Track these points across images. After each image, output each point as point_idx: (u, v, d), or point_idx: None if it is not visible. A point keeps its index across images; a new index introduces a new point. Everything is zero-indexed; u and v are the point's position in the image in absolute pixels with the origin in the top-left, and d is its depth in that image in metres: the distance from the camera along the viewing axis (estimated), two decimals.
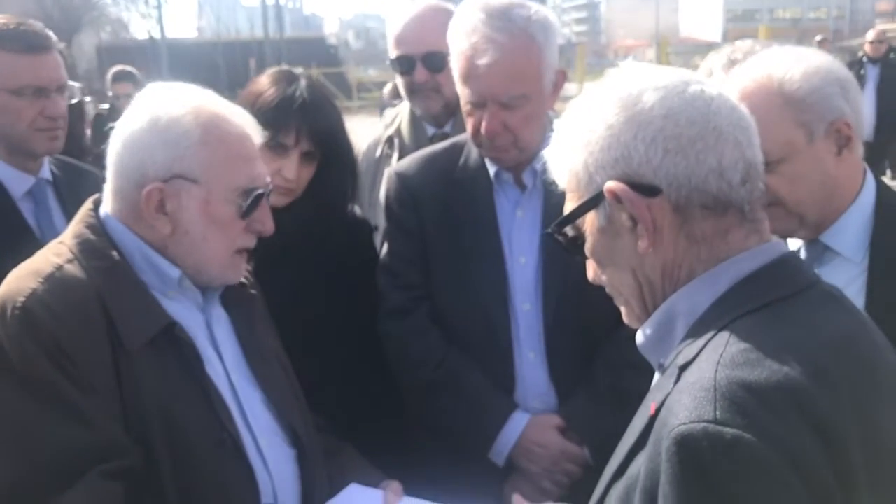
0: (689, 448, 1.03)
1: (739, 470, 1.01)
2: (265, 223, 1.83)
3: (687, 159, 1.21)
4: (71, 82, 2.69)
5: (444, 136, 2.92)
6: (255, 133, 1.83)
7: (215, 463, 1.71)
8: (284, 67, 2.52)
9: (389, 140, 3.20)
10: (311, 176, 2.40)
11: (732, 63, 2.27)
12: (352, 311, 2.46)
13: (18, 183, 2.60)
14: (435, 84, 3.00)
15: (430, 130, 3.10)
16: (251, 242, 1.84)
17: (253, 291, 2.02)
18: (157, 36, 36.33)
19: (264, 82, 2.40)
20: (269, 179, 1.84)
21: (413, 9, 3.07)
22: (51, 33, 2.62)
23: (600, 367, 2.33)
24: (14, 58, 2.52)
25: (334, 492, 1.93)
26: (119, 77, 7.55)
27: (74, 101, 2.78)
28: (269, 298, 2.41)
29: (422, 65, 2.99)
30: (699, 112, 1.23)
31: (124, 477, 1.59)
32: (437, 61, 2.94)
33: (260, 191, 1.79)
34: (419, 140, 3.05)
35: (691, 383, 1.10)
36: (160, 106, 1.75)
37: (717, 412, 1.04)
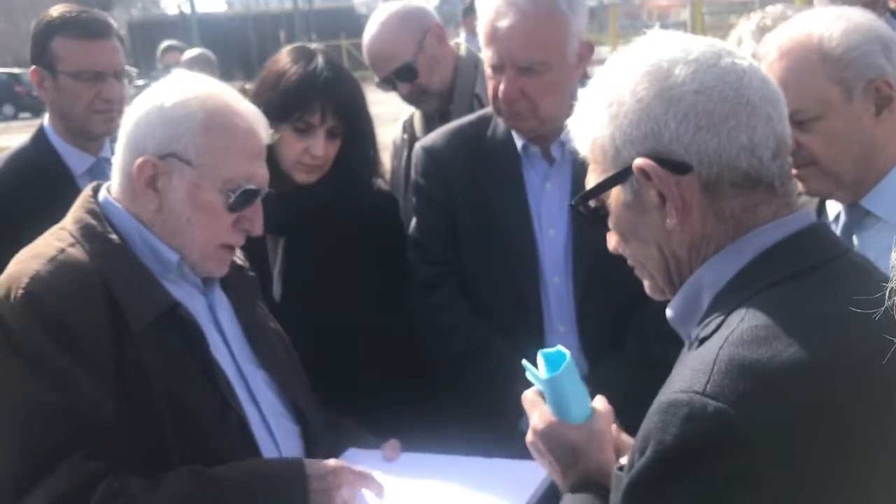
0: (668, 413, 1.05)
1: (711, 442, 1.03)
2: (254, 223, 1.83)
3: (718, 136, 1.18)
4: (129, 68, 2.87)
5: (448, 115, 2.96)
6: (263, 132, 1.84)
7: (221, 441, 1.74)
8: (300, 44, 2.54)
9: (403, 126, 3.26)
10: (337, 151, 2.41)
11: (762, 30, 2.23)
12: (380, 283, 2.48)
13: (79, 161, 2.78)
14: (419, 88, 3.06)
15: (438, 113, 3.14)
16: (238, 241, 1.85)
17: (251, 274, 2.05)
18: (188, 11, 36.42)
19: (284, 61, 2.41)
20: (266, 182, 1.84)
21: (369, 30, 3.12)
22: (112, 21, 2.82)
23: (631, 336, 2.32)
24: (74, 43, 2.69)
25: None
26: (168, 49, 7.75)
27: (140, 82, 2.92)
28: (301, 272, 2.44)
29: (398, 80, 3.05)
30: (732, 87, 1.20)
31: (110, 458, 1.61)
32: (407, 72, 3.02)
33: (252, 187, 1.78)
34: (430, 124, 3.08)
35: (695, 356, 1.11)
36: (173, 89, 1.79)
37: (708, 385, 1.05)
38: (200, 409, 1.72)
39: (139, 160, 1.74)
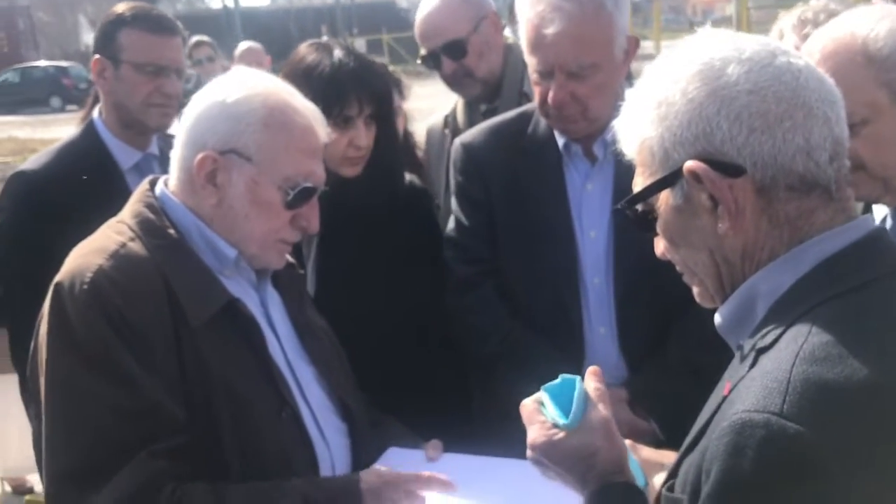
0: (744, 434, 1.01)
1: (790, 467, 0.98)
2: (311, 222, 1.83)
3: (773, 138, 1.14)
4: (189, 70, 2.84)
5: (495, 111, 2.91)
6: (321, 130, 1.84)
7: (276, 434, 1.74)
8: (314, 40, 2.54)
9: (445, 120, 3.24)
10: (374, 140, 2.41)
11: (803, 23, 2.18)
12: (414, 280, 2.46)
13: (127, 156, 2.80)
14: (464, 70, 3.03)
15: (483, 107, 3.12)
16: (294, 237, 1.85)
17: (301, 272, 2.05)
18: (231, 4, 36.79)
19: (309, 58, 2.38)
20: (323, 180, 1.84)
21: (427, 3, 3.10)
22: (178, 22, 2.87)
23: (674, 341, 2.28)
24: (143, 36, 2.74)
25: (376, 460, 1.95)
26: (198, 45, 7.75)
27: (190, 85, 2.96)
28: (335, 268, 2.44)
29: (445, 56, 3.02)
30: (787, 87, 1.16)
31: (174, 455, 1.62)
32: (457, 49, 2.99)
33: (310, 185, 1.79)
34: (473, 119, 3.05)
35: (766, 372, 1.07)
36: (235, 84, 1.79)
37: (786, 406, 1.00)
38: (257, 404, 1.73)
39: (200, 155, 1.74)
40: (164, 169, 2.72)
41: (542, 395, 1.46)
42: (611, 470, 1.37)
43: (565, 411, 1.41)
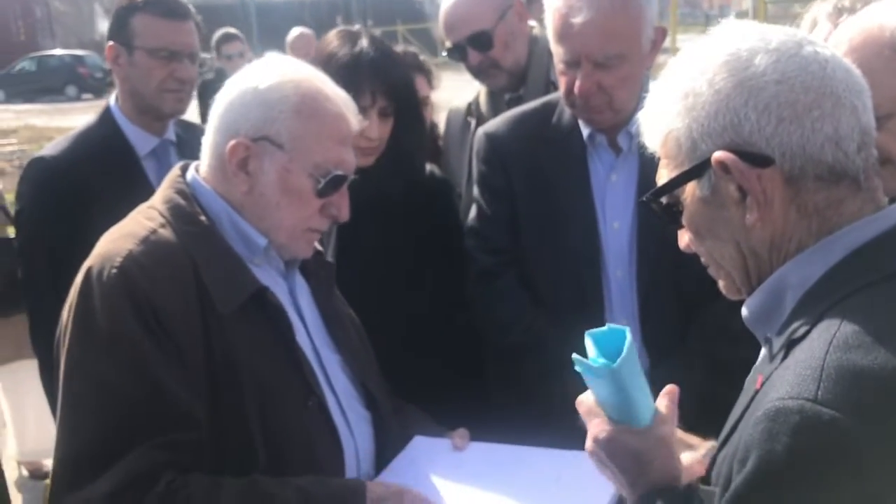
0: (778, 421, 1.01)
1: (826, 453, 0.98)
2: (341, 210, 1.82)
3: (802, 128, 1.14)
4: (203, 54, 2.85)
5: (520, 100, 2.88)
6: (353, 118, 1.82)
7: (302, 424, 1.74)
8: (345, 27, 2.53)
9: (469, 108, 3.21)
10: (390, 132, 2.39)
11: (839, 12, 2.13)
12: (437, 271, 2.46)
13: (144, 142, 2.80)
14: (490, 61, 3.00)
15: (508, 95, 3.09)
16: (323, 226, 1.84)
17: (329, 260, 2.03)
18: None
19: (331, 46, 2.39)
20: (353, 168, 1.82)
21: None
22: (191, 6, 2.84)
23: (695, 334, 2.26)
24: (155, 21, 2.73)
25: (401, 449, 1.94)
26: (226, 38, 7.65)
27: (204, 69, 2.96)
28: (355, 258, 2.43)
29: (470, 48, 2.99)
30: (815, 77, 1.15)
31: (180, 448, 1.59)
32: (483, 41, 2.95)
33: (340, 173, 1.77)
34: (497, 107, 3.03)
35: (799, 361, 1.06)
36: (267, 71, 1.78)
37: (820, 392, 1.00)
38: (284, 393, 1.72)
39: (232, 142, 1.72)
40: (182, 155, 2.74)
41: (585, 340, 1.40)
42: (664, 479, 1.33)
43: (609, 359, 1.35)
